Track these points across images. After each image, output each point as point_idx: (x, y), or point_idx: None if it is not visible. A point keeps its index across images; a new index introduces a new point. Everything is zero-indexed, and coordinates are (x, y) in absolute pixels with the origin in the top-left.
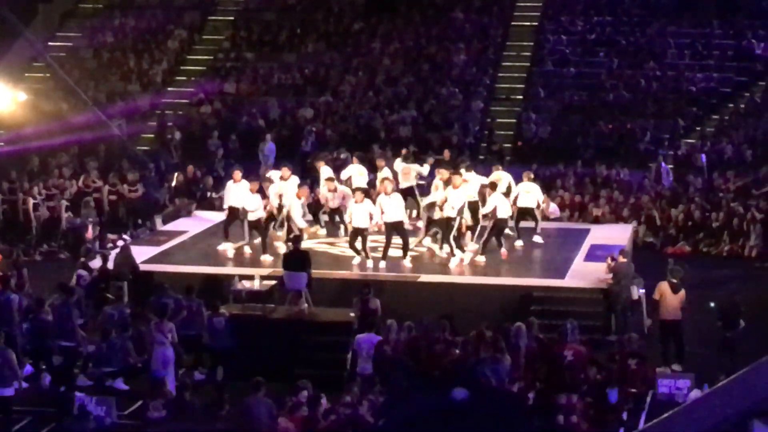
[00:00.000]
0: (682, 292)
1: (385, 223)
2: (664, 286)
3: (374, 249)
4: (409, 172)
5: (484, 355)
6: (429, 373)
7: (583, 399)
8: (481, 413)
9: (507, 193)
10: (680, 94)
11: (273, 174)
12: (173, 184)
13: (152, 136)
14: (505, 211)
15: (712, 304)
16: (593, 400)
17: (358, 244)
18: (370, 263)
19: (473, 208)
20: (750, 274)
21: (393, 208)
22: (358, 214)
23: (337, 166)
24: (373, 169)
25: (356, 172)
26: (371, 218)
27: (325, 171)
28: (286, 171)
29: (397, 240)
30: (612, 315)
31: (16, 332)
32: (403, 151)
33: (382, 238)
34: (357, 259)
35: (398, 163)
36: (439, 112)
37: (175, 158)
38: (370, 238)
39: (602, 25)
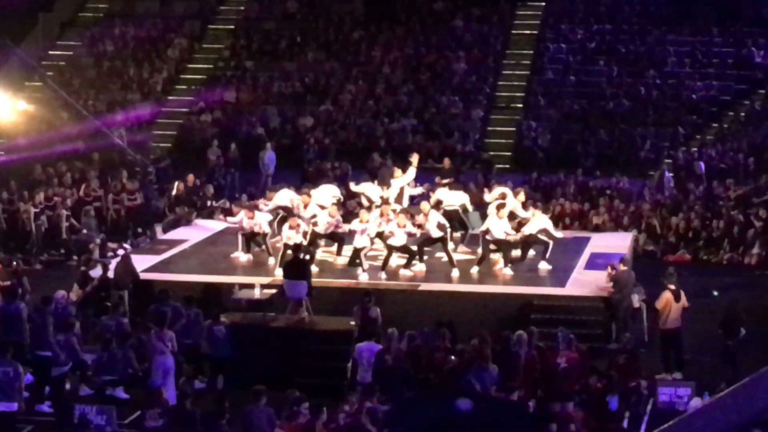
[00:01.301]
0: (684, 299)
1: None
2: (668, 295)
3: (375, 258)
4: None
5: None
6: (429, 382)
7: (582, 407)
8: (483, 422)
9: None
10: (680, 103)
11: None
12: (173, 192)
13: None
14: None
15: (715, 293)
16: (593, 408)
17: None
18: (383, 275)
19: (453, 217)
20: (750, 282)
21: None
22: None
23: (337, 177)
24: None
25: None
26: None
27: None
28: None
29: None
30: (613, 323)
31: (24, 342)
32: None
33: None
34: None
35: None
36: (439, 120)
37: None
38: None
39: (602, 34)
